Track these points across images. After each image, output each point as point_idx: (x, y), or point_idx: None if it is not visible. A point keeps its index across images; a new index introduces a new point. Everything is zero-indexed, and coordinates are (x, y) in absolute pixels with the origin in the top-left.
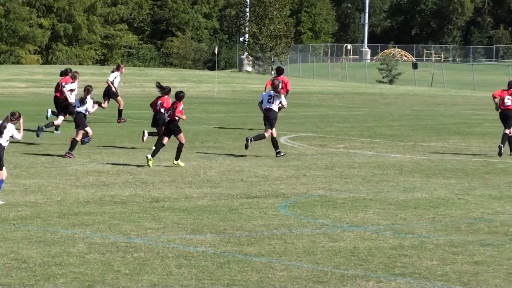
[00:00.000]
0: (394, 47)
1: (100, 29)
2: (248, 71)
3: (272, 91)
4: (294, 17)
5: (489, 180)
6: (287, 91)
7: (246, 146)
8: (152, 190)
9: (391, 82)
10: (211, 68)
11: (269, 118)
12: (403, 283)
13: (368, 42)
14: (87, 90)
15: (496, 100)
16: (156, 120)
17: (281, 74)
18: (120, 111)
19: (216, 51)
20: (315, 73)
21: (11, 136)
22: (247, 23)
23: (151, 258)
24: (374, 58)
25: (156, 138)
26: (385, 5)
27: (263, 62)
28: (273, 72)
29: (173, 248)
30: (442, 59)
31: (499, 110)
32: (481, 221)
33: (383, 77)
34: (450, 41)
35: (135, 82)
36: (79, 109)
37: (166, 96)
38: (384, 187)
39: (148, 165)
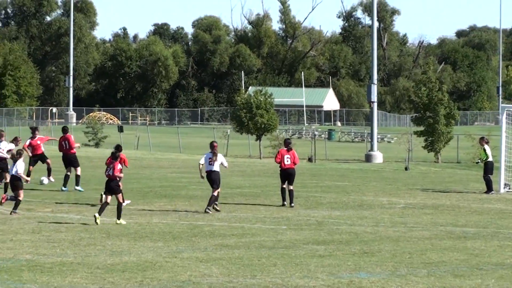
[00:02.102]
0: (99, 110)
1: None
2: None
3: (211, 153)
4: None
5: (196, 243)
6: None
7: (207, 213)
8: None
9: (97, 145)
10: None
11: (214, 179)
12: None
13: (73, 105)
14: (19, 154)
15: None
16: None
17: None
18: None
19: None
20: (21, 137)
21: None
22: None
23: None
24: (80, 121)
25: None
26: (89, 68)
27: None
28: None
29: None
30: (148, 122)
31: (280, 169)
32: (189, 284)
33: (89, 140)
34: (156, 104)
35: None
36: (13, 172)
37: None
38: (92, 251)
39: (96, 222)
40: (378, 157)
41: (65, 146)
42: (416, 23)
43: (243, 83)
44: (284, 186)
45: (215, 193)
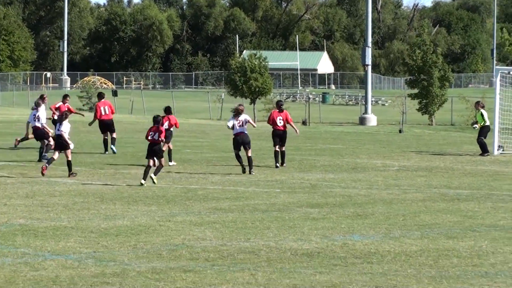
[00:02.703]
0: (94, 74)
1: None
2: None
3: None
4: None
5: (190, 207)
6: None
7: (244, 171)
8: None
9: (91, 109)
10: None
11: (245, 142)
12: None
13: (67, 70)
14: (66, 115)
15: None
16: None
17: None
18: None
19: None
20: (15, 102)
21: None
22: None
23: None
24: (74, 85)
25: None
26: (84, 33)
27: None
28: None
29: None
30: (142, 86)
31: (272, 130)
32: (183, 248)
33: (83, 105)
34: (150, 68)
35: None
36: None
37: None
38: (86, 215)
39: (141, 184)
40: (372, 120)
41: (104, 112)
42: None
43: (237, 46)
44: (277, 148)
45: (250, 154)
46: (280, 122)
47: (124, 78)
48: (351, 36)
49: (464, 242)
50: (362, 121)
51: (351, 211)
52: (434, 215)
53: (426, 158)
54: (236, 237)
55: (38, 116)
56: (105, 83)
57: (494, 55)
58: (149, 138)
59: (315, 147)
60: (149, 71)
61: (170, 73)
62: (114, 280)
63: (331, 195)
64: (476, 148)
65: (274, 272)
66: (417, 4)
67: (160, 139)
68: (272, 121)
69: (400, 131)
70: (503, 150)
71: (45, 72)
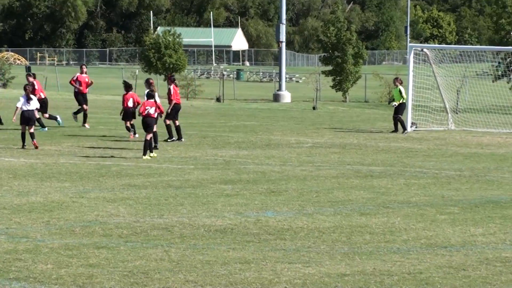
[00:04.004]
0: (7, 50)
1: None
2: None
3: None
4: None
5: (103, 183)
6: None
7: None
8: None
9: (4, 86)
10: None
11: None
12: None
13: None
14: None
15: None
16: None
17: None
18: None
19: None
20: None
21: None
22: None
23: None
24: None
25: None
26: None
27: None
28: None
29: None
30: (56, 62)
31: (175, 104)
32: (96, 224)
33: None
34: (64, 44)
35: None
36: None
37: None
38: None
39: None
40: (286, 96)
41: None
42: None
43: (152, 23)
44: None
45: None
46: (180, 95)
47: (38, 54)
48: (265, 13)
49: (377, 218)
50: (276, 98)
51: (264, 187)
52: (347, 192)
53: (340, 135)
54: (149, 213)
55: None
56: (19, 59)
57: (408, 32)
58: (144, 113)
59: (229, 124)
60: (63, 47)
61: (84, 49)
62: (26, 256)
63: (244, 172)
64: (390, 124)
65: (188, 248)
66: None
67: (157, 113)
68: (177, 95)
69: (314, 108)
70: (416, 127)
71: None
